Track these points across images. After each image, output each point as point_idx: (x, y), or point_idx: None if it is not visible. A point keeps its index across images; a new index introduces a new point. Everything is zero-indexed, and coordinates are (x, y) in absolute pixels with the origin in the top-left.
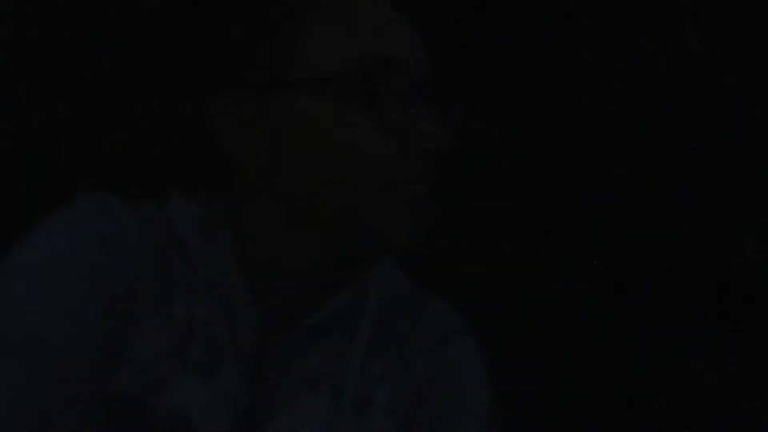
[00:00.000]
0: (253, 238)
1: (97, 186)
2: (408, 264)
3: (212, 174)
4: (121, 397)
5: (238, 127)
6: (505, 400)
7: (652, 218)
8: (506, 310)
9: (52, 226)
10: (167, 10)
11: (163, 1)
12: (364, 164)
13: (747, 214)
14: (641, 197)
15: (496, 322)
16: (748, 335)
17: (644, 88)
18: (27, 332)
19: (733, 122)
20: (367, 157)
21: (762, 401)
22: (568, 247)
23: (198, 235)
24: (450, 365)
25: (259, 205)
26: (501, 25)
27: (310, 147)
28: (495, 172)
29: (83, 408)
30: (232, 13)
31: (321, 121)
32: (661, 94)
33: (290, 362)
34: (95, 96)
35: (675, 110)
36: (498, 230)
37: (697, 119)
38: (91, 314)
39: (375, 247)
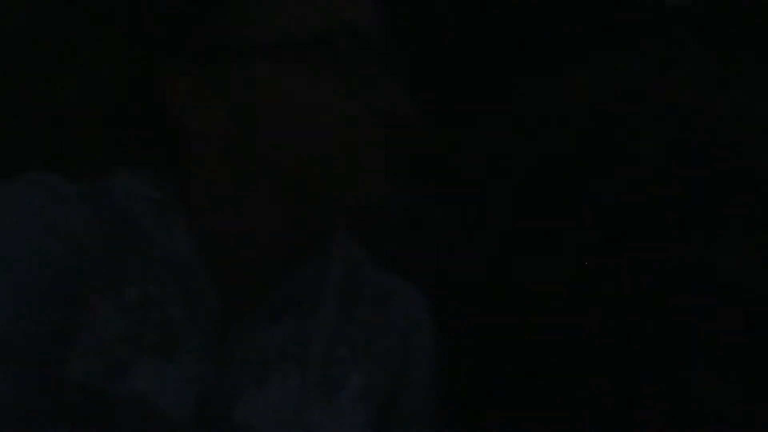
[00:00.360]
0: (211, 214)
1: (40, 166)
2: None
3: (163, 151)
4: (76, 385)
5: (195, 98)
6: (501, 399)
7: (652, 221)
8: (502, 309)
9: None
10: None
11: None
12: (325, 128)
13: (746, 217)
14: (642, 199)
15: (493, 322)
16: (745, 338)
17: (646, 93)
18: None
19: (732, 125)
20: (328, 121)
21: (762, 404)
22: (568, 249)
23: (150, 215)
24: (421, 356)
25: (216, 179)
26: (509, 33)
27: (272, 114)
28: (497, 176)
29: (32, 398)
30: None
31: (281, 88)
32: (661, 98)
33: (254, 341)
34: (40, 70)
35: (675, 114)
36: (496, 230)
37: (698, 122)
38: (35, 300)
39: (337, 211)
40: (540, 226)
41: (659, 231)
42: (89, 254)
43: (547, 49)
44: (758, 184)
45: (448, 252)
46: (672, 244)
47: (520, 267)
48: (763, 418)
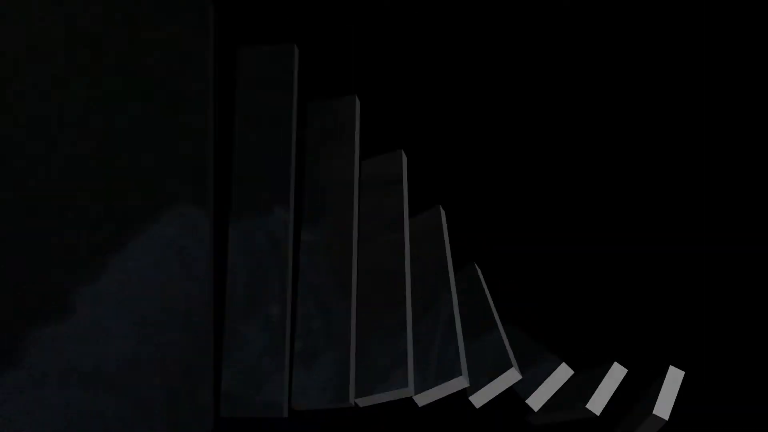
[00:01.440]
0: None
1: (186, 199)
2: None
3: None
4: (223, 394)
5: None
6: None
7: None
8: None
9: (141, 243)
10: None
11: None
12: None
13: None
14: None
15: None
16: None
17: None
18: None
19: None
20: None
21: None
22: None
23: (300, 252)
24: None
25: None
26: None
27: None
28: None
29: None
30: None
31: None
32: None
33: (384, 347)
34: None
35: None
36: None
37: None
38: (191, 324)
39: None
40: None
41: None
42: (236, 279)
43: None
44: None
45: None
46: None
47: None
48: None
